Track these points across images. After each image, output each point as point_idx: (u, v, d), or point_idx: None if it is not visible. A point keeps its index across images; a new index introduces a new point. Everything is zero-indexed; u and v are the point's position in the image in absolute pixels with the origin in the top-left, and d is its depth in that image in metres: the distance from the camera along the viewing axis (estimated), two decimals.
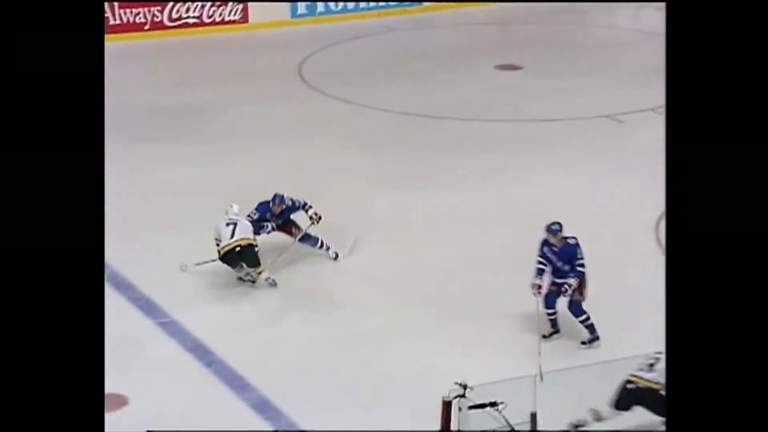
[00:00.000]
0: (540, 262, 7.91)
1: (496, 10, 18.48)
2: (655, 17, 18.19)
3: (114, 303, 8.45)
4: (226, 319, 8.33)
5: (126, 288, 8.67)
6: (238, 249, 8.53)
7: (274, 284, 8.70)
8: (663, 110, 13.64)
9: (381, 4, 18.27)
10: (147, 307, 8.37)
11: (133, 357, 7.62)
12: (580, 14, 18.33)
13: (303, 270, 9.07)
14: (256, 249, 8.61)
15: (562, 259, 7.88)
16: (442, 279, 8.99)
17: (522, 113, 13.31)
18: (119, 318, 8.12)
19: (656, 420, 6.30)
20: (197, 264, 8.78)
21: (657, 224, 9.81)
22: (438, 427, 5.92)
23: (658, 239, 9.56)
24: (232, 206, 8.72)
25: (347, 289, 8.82)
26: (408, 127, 12.89)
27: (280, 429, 6.90)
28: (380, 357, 7.73)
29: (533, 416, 5.97)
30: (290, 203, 9.06)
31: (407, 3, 18.46)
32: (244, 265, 8.64)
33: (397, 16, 18.15)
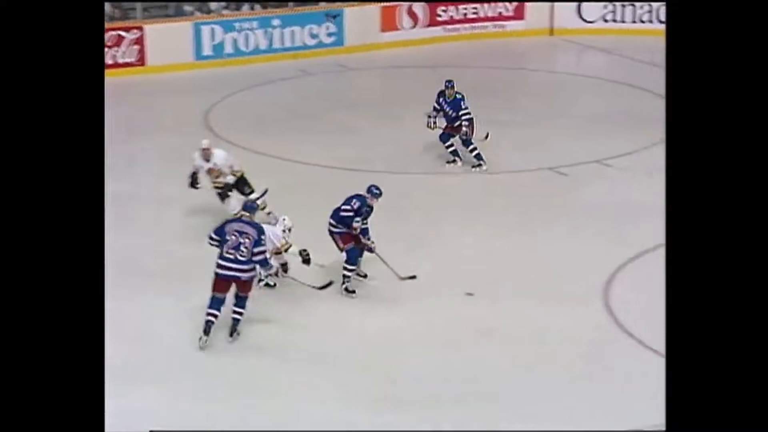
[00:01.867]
0: (434, 108, 13.25)
1: (425, 51, 18.94)
2: (597, 60, 18.88)
3: None
4: None
5: None
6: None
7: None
8: (609, 162, 14.19)
9: (296, 45, 18.59)
10: None
11: None
12: (518, 57, 18.87)
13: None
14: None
15: (451, 107, 13.05)
16: (367, 354, 9.15)
17: (458, 165, 13.62)
18: None
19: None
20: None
21: (605, 289, 10.12)
22: None
23: (607, 306, 9.86)
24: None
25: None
26: (333, 182, 13.02)
27: None
28: None
29: None
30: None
31: (326, 44, 18.81)
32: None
33: (314, 58, 18.47)
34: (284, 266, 10.07)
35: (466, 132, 13.26)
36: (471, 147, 13.38)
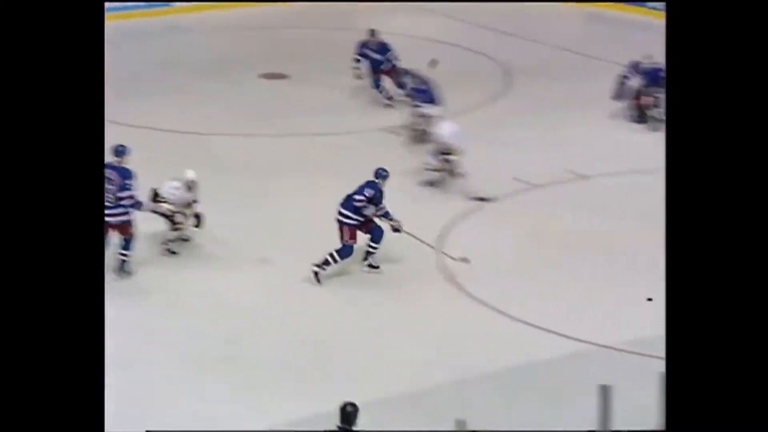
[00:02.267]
0: (356, 59, 14.41)
1: (257, 12, 19.07)
2: (432, 23, 19.37)
3: None
4: None
5: None
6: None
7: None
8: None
9: (124, 4, 18.39)
10: None
11: None
12: (352, 18, 19.19)
13: None
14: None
15: (377, 52, 14.26)
16: (215, 317, 9.50)
17: (291, 127, 13.91)
18: None
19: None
20: None
21: (437, 245, 10.66)
22: None
23: (439, 261, 10.41)
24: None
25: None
26: (168, 146, 13.15)
27: None
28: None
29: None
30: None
31: (154, 3, 18.71)
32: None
33: (142, 18, 18.36)
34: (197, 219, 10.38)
35: (400, 72, 14.03)
36: (406, 89, 13.95)
